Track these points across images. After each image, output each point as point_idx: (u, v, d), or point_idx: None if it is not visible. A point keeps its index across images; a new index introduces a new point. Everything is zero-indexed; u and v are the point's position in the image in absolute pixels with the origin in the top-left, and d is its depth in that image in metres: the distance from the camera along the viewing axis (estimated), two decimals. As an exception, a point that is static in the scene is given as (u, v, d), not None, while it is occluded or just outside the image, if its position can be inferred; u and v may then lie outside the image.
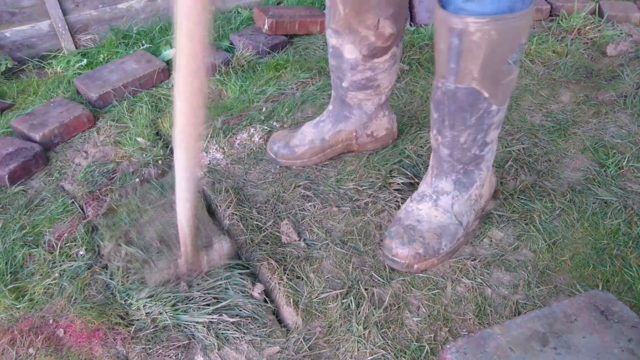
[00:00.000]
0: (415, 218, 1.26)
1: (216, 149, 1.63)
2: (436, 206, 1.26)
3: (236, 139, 1.67)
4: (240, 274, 1.25)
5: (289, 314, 1.19)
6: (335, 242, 1.32)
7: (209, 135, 1.67)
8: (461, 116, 1.16)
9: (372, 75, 1.40)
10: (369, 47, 1.34)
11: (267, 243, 1.33)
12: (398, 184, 1.47)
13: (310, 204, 1.43)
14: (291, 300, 1.19)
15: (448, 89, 1.14)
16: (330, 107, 1.55)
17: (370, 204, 1.42)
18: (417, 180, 1.47)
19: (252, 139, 1.66)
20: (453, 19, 1.05)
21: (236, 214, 1.40)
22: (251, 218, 1.39)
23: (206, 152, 1.62)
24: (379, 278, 1.23)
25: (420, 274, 1.24)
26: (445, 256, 1.26)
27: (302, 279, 1.24)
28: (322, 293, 1.20)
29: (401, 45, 1.41)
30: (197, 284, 1.22)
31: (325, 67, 2.02)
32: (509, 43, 1.08)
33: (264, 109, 1.81)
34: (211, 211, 1.46)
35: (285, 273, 1.24)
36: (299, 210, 1.42)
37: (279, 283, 1.23)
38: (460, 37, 1.06)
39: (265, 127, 1.69)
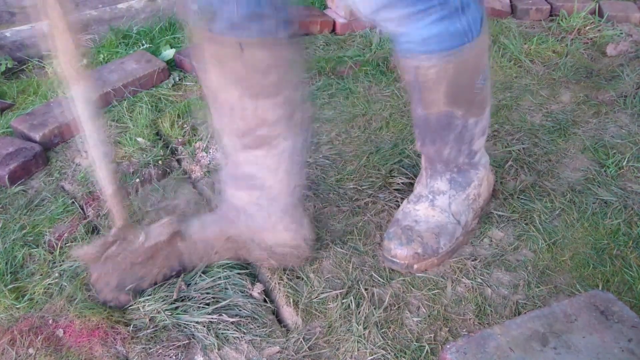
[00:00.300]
0: (412, 219, 1.25)
1: (216, 149, 1.63)
2: (433, 206, 1.25)
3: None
4: (239, 273, 1.25)
5: (289, 314, 1.19)
6: (335, 242, 1.32)
7: (208, 136, 1.67)
8: (439, 135, 1.16)
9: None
10: None
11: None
12: (398, 184, 1.47)
13: (310, 204, 1.43)
14: (291, 300, 1.19)
15: (419, 115, 1.14)
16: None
17: (370, 204, 1.42)
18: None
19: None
20: (404, 59, 1.03)
21: (236, 214, 1.40)
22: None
23: (206, 152, 1.62)
24: (379, 278, 1.23)
25: (420, 274, 1.24)
26: (445, 255, 1.25)
27: (302, 279, 1.24)
28: (322, 293, 1.20)
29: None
30: (196, 284, 1.22)
31: (325, 67, 2.02)
32: (470, 71, 1.06)
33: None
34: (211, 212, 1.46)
35: (285, 273, 1.24)
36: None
37: (278, 283, 1.23)
38: (416, 75, 1.04)
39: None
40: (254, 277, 1.27)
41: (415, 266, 1.22)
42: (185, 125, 1.73)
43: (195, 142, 1.66)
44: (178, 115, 1.78)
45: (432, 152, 1.21)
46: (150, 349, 1.10)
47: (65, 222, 1.41)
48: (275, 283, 1.23)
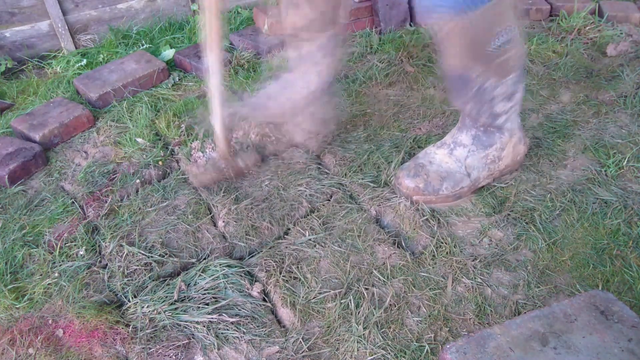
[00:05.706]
0: (429, 159, 1.43)
1: (212, 149, 1.62)
2: (451, 154, 1.42)
3: (232, 137, 1.66)
4: (238, 273, 1.24)
5: (287, 315, 1.19)
6: (334, 240, 1.32)
7: (204, 135, 1.66)
8: (459, 91, 1.32)
9: None
10: None
11: (263, 244, 1.33)
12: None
13: (307, 200, 1.42)
14: (287, 301, 1.19)
15: (443, 70, 1.31)
16: None
17: (370, 201, 1.42)
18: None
19: (249, 137, 1.66)
20: (422, 16, 1.23)
21: (232, 215, 1.40)
22: (247, 218, 1.39)
23: (202, 152, 1.62)
24: (380, 276, 1.23)
25: (422, 273, 1.24)
26: (445, 198, 1.40)
27: (300, 279, 1.24)
28: (319, 293, 1.20)
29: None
30: (196, 284, 1.22)
31: (325, 67, 2.02)
32: (482, 34, 1.16)
33: (264, 109, 1.81)
34: (210, 212, 1.46)
35: (281, 274, 1.24)
36: (297, 208, 1.41)
37: (275, 285, 1.22)
38: (434, 31, 1.20)
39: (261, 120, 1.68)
40: (252, 277, 1.27)
41: (415, 197, 1.40)
42: (182, 125, 1.73)
43: (191, 142, 1.65)
44: (174, 114, 1.77)
45: (459, 105, 1.36)
46: (150, 348, 1.10)
47: (65, 222, 1.40)
48: (272, 285, 1.23)
